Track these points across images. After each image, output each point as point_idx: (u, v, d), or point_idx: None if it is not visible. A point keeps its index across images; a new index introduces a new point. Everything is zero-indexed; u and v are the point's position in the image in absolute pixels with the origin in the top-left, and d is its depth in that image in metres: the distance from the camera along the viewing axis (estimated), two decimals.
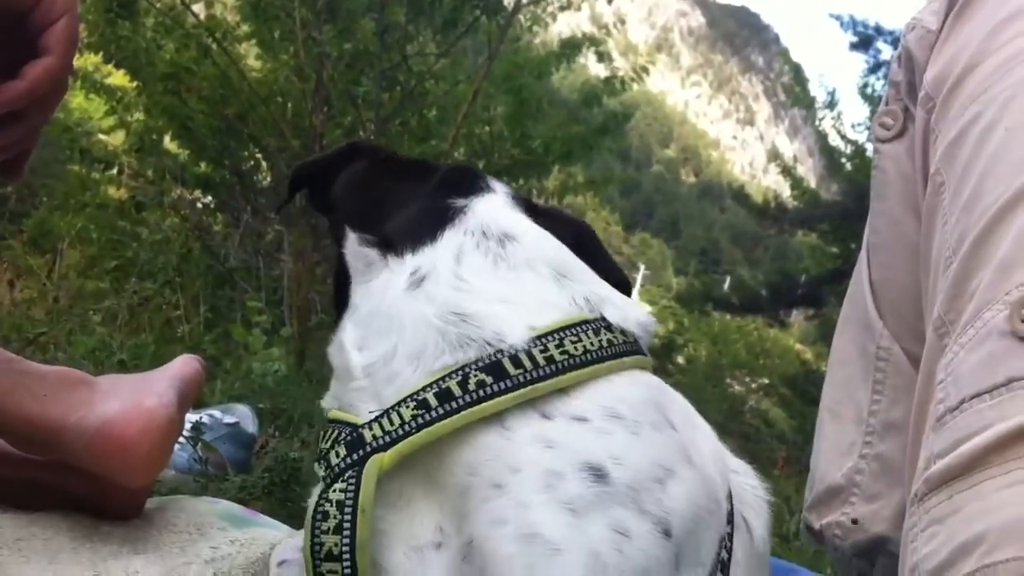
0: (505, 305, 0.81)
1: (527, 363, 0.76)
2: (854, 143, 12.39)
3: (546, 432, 0.73)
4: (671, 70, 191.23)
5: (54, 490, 0.97)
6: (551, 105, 6.91)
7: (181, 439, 1.60)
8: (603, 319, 0.82)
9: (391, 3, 5.77)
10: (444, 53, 6.12)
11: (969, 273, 0.69)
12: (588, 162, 7.43)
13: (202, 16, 5.84)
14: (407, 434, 0.74)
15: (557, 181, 7.09)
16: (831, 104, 13.35)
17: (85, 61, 5.79)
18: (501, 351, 0.77)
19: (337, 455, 0.77)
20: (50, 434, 0.89)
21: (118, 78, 6.10)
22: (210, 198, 6.47)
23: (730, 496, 0.79)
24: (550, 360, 0.76)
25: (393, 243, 0.88)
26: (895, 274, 0.89)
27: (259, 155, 6.20)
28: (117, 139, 6.49)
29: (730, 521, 0.78)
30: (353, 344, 0.84)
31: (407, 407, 0.75)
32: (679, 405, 0.83)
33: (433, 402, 0.75)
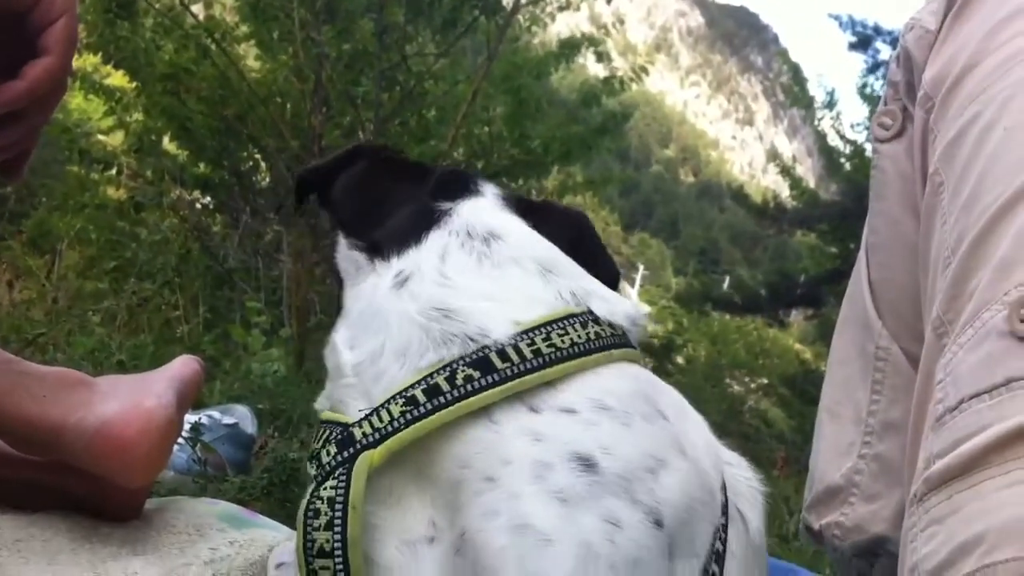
0: (489, 301, 0.81)
1: (514, 357, 0.76)
2: (853, 143, 12.41)
3: (534, 425, 0.73)
4: (670, 70, 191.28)
5: (53, 491, 0.97)
6: (550, 105, 6.92)
7: (180, 440, 1.60)
8: (590, 312, 0.83)
9: (390, 3, 5.77)
10: (443, 53, 6.12)
11: (968, 273, 0.69)
12: (587, 162, 7.44)
13: (201, 17, 5.84)
14: (396, 431, 0.75)
15: (556, 181, 7.09)
16: (830, 104, 13.36)
17: (84, 61, 5.79)
18: (487, 346, 0.77)
19: (328, 453, 0.77)
20: (49, 435, 0.89)
21: (117, 78, 6.10)
22: (209, 199, 6.47)
23: (724, 487, 0.79)
24: (537, 353, 0.77)
25: (380, 247, 0.89)
26: (894, 274, 0.89)
27: (258, 156, 6.21)
28: (116, 139, 6.49)
29: (725, 513, 0.77)
30: (344, 343, 0.85)
31: (396, 404, 0.76)
32: (671, 397, 0.83)
33: (421, 398, 0.75)
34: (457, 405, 0.74)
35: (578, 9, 6.93)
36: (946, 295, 0.71)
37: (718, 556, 0.74)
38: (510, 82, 6.16)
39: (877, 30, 12.66)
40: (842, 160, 12.53)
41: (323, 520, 0.74)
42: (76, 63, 3.79)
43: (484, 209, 0.92)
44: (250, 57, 6.28)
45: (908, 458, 0.75)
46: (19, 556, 0.88)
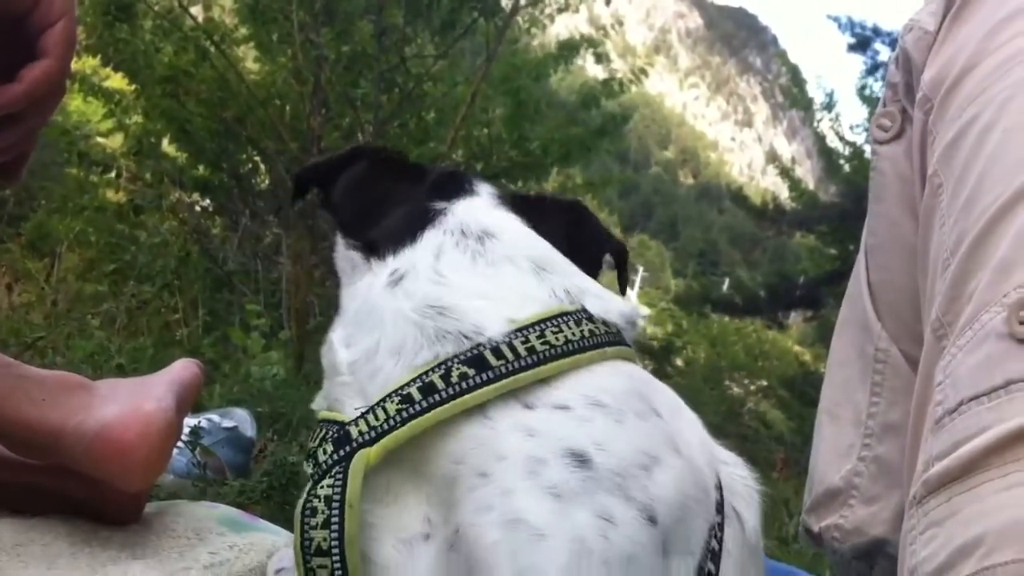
0: (483, 299, 0.82)
1: (509, 354, 0.76)
2: (852, 144, 12.41)
3: (528, 421, 0.74)
4: (669, 72, 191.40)
5: (53, 494, 0.97)
6: (549, 107, 6.92)
7: (179, 443, 1.60)
8: (584, 310, 0.83)
9: (389, 5, 5.77)
10: (442, 55, 6.13)
11: (967, 275, 0.69)
12: (586, 164, 7.45)
13: (200, 19, 5.85)
14: (392, 428, 0.75)
15: (555, 183, 7.09)
16: (829, 105, 13.36)
17: (83, 64, 5.79)
18: (482, 344, 0.77)
19: (324, 452, 0.77)
20: (49, 438, 0.89)
21: (116, 81, 6.11)
22: (208, 201, 6.47)
23: (719, 486, 0.79)
24: (531, 351, 0.77)
25: (376, 246, 0.89)
26: (893, 275, 0.89)
27: (257, 158, 6.21)
28: (115, 142, 6.49)
29: (720, 511, 0.77)
30: (340, 342, 0.86)
31: (391, 402, 0.76)
32: (665, 395, 0.83)
33: (417, 396, 0.75)
34: (452, 403, 0.74)
35: (577, 11, 6.94)
36: (945, 297, 0.71)
37: (714, 554, 0.74)
38: (509, 84, 6.16)
39: (876, 31, 12.67)
40: (841, 162, 12.53)
41: (320, 518, 0.74)
42: (75, 65, 3.79)
43: (479, 208, 0.92)
44: (249, 59, 6.28)
45: (907, 460, 0.75)
46: (18, 560, 0.88)
